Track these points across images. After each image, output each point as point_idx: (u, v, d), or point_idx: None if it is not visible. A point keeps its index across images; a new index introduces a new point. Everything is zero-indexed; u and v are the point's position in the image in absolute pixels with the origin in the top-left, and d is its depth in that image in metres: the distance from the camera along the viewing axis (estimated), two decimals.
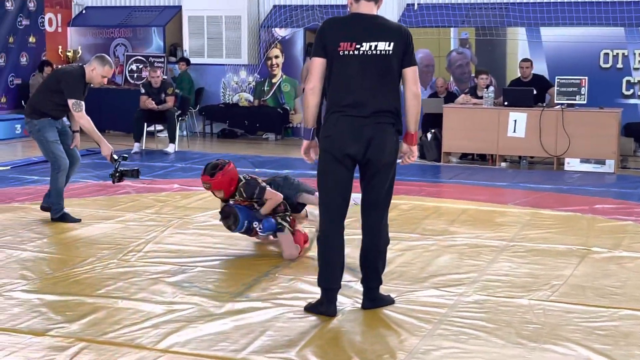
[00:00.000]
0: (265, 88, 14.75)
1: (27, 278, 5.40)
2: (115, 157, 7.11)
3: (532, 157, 11.52)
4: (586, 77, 11.07)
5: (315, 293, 4.86)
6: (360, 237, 4.78)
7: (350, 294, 5.04)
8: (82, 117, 6.94)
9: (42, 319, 4.58)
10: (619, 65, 12.54)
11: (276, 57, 14.68)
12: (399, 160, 4.72)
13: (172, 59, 15.11)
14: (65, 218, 7.16)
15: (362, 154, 4.55)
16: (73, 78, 6.97)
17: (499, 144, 11.17)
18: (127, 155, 7.41)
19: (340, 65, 4.52)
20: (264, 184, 6.17)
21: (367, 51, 4.52)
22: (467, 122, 11.32)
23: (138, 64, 15.29)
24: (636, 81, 12.45)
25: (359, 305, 4.83)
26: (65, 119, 7.31)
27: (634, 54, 12.46)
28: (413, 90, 4.61)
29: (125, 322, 4.55)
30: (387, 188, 4.68)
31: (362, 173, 4.68)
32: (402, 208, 7.81)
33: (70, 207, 7.72)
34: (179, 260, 5.86)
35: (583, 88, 10.91)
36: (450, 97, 12.99)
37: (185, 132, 14.38)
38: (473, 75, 13.38)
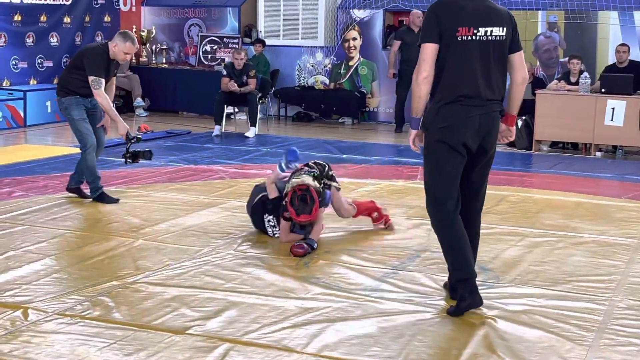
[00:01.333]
0: (342, 71, 14.42)
1: (147, 269, 5.18)
2: (131, 136, 7.03)
3: (622, 147, 11.03)
4: None
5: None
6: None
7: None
8: (99, 95, 6.85)
9: (176, 315, 4.35)
10: None
11: (354, 39, 14.32)
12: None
13: (247, 40, 14.84)
14: (103, 198, 7.06)
15: (477, 145, 4.43)
16: (95, 55, 6.89)
17: (595, 132, 10.72)
18: (141, 137, 7.34)
19: (459, 52, 4.32)
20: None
21: (483, 37, 4.34)
22: (561, 109, 10.88)
23: (212, 45, 15.05)
24: None
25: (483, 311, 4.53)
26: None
27: None
28: (523, 75, 4.51)
29: (263, 320, 4.31)
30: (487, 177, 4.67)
31: (469, 162, 4.48)
32: (511, 200, 7.47)
33: (167, 192, 7.54)
34: None
35: None
36: (537, 83, 12.54)
37: (260, 115, 14.12)
38: (561, 60, 12.93)
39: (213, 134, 11.75)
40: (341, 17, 14.33)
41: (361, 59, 14.27)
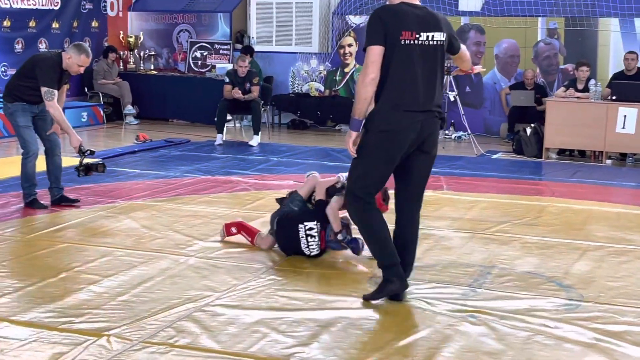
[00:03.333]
0: (337, 78, 14.23)
1: (214, 289, 4.91)
2: (84, 149, 6.94)
3: (633, 155, 10.99)
4: None
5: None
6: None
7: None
8: (52, 106, 6.73)
9: (269, 342, 4.09)
10: None
11: (349, 45, 14.14)
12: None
13: (238, 46, 14.58)
14: (34, 204, 6.98)
15: (416, 147, 4.57)
16: (47, 66, 6.78)
17: (606, 140, 10.67)
18: (94, 150, 7.25)
19: (402, 56, 4.41)
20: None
21: (425, 41, 4.46)
22: (571, 117, 10.80)
23: (202, 51, 14.75)
24: None
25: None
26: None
27: None
28: (468, 57, 4.88)
29: (364, 346, 4.08)
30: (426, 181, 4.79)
31: (407, 166, 4.64)
32: (551, 211, 7.33)
33: (197, 205, 7.26)
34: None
35: None
36: (539, 90, 12.50)
37: (243, 122, 13.84)
38: (561, 67, 12.90)
39: (215, 143, 11.46)
40: (336, 23, 14.14)
41: (357, 65, 14.08)
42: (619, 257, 5.83)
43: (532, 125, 11.21)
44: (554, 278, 5.27)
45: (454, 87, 11.88)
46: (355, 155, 4.57)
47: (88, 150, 6.97)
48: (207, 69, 14.57)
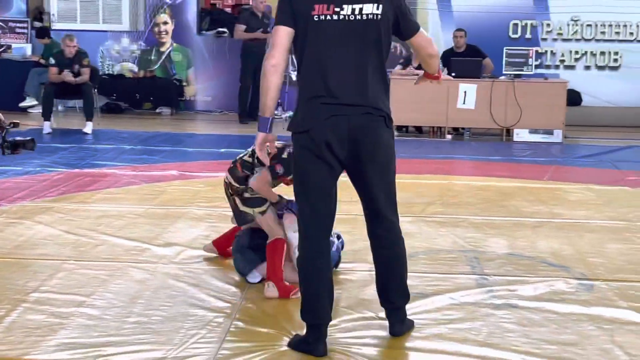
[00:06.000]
0: (153, 58, 13.47)
1: (227, 293, 4.39)
2: (3, 124, 5.70)
3: (469, 129, 11.45)
4: (534, 48, 11.23)
5: None
6: None
7: None
8: None
9: None
10: (528, 36, 12.84)
11: (165, 23, 13.42)
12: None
13: (37, 24, 13.33)
14: None
15: (347, 151, 3.56)
16: None
17: (448, 115, 11.00)
18: (18, 122, 5.60)
19: (315, 36, 3.51)
20: None
21: (349, 16, 3.49)
22: (414, 94, 10.99)
23: None
24: (544, 51, 12.80)
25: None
26: None
27: (542, 24, 12.81)
28: (428, 52, 3.75)
29: None
30: (388, 191, 3.71)
31: (352, 176, 3.70)
32: (457, 189, 7.41)
33: (98, 204, 6.51)
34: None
35: (531, 59, 11.03)
36: None
37: (59, 107, 12.75)
38: None
39: (44, 132, 10.39)
40: (150, 0, 13.35)
41: (174, 44, 13.44)
42: (573, 232, 5.93)
43: None
44: (540, 258, 5.27)
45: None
46: (265, 161, 3.73)
47: (11, 123, 5.72)
48: (2, 49, 13.19)
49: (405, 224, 5.91)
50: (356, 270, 4.91)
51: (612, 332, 4.00)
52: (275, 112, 12.01)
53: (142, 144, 9.81)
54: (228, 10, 13.72)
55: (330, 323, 3.75)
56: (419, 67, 11.33)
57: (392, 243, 3.79)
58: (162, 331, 3.91)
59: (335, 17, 3.49)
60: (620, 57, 12.74)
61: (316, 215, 3.64)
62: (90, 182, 7.42)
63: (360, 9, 3.49)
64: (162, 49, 13.45)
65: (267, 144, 3.63)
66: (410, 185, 7.36)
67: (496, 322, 4.10)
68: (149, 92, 13.10)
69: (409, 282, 3.92)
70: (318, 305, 3.65)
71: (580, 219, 6.38)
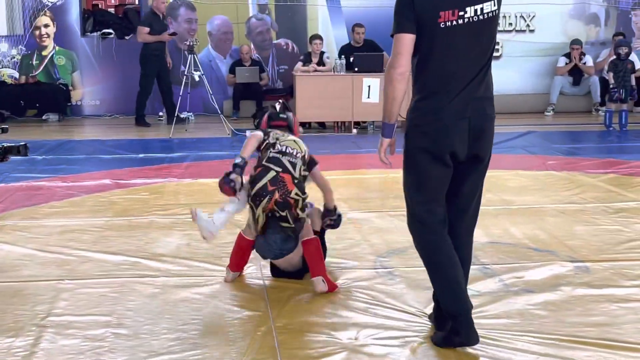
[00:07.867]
0: (34, 62, 12.86)
1: (254, 302, 4.30)
2: None
3: (373, 122, 11.66)
4: None
5: None
6: None
7: None
8: None
9: None
10: None
11: (46, 26, 12.85)
12: None
13: None
14: None
15: (467, 150, 3.62)
16: None
17: (353, 110, 11.15)
18: (7, 127, 5.30)
19: (442, 42, 3.50)
20: None
21: (472, 17, 3.48)
22: (319, 90, 11.10)
23: None
24: None
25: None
26: None
27: None
28: None
29: None
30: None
31: (459, 172, 3.69)
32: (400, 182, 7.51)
33: (53, 219, 6.24)
34: None
35: None
36: (256, 65, 12.60)
37: None
38: (274, 42, 13.12)
39: None
40: (29, 2, 12.73)
41: (57, 47, 12.89)
42: (535, 217, 6.18)
43: (280, 101, 11.26)
44: (522, 244, 5.46)
45: (199, 65, 11.44)
46: (390, 166, 3.83)
47: (1, 128, 5.25)
48: None
49: (376, 220, 6.06)
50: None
51: (636, 310, 4.22)
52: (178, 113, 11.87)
53: (52, 153, 9.37)
54: (112, 10, 13.31)
55: None
56: (319, 63, 11.46)
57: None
58: (211, 345, 3.79)
59: (460, 21, 3.50)
60: (502, 47, 13.32)
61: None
62: (26, 196, 7.04)
63: (482, 9, 3.51)
64: (45, 53, 12.88)
65: (390, 147, 3.76)
66: (354, 181, 7.43)
67: (525, 310, 4.23)
68: (34, 98, 12.50)
69: (424, 277, 3.94)
70: (461, 292, 3.67)
71: (532, 204, 6.66)
